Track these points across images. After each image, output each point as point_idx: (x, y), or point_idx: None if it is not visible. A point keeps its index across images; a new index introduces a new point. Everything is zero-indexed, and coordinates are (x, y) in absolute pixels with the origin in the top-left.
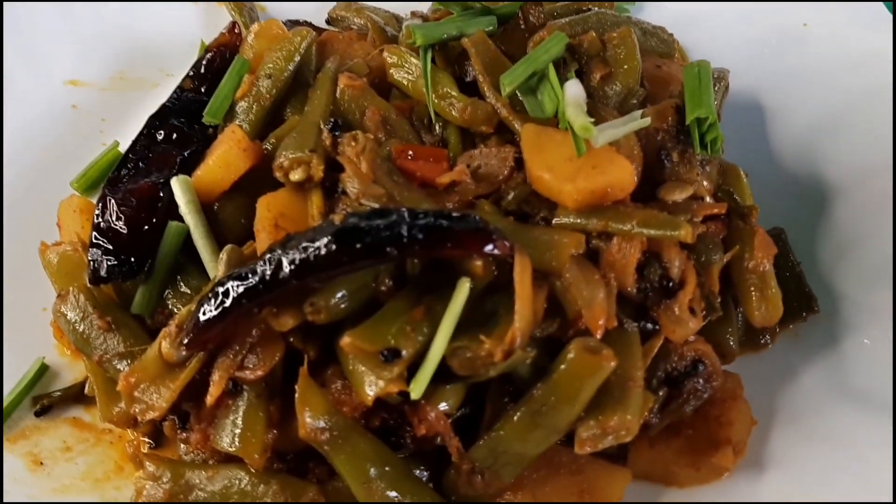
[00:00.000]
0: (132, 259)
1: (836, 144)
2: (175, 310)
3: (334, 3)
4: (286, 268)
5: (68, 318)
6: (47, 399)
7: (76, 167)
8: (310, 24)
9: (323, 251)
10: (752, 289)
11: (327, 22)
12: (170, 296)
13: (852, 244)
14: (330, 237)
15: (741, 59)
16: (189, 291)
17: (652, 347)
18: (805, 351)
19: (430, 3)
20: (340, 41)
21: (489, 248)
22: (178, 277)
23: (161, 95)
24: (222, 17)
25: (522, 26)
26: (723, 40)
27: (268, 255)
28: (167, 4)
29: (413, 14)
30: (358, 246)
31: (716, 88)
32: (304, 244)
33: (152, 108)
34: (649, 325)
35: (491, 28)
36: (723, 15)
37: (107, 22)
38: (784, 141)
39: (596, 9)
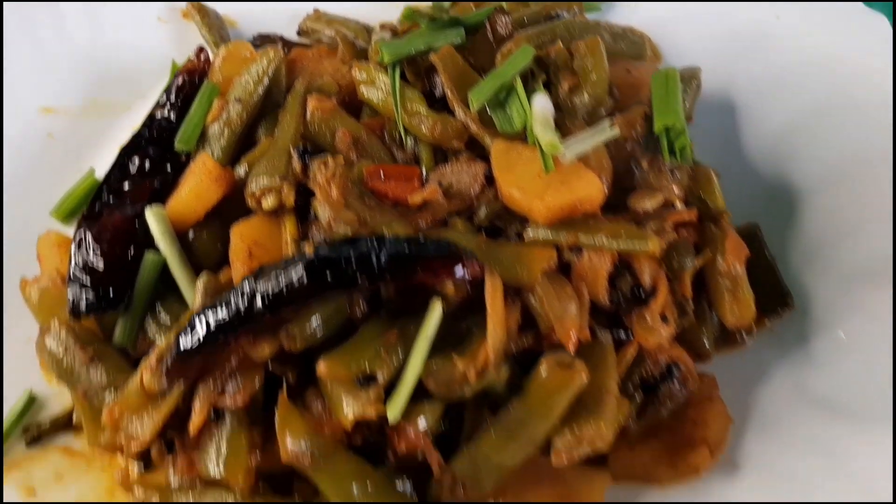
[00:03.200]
0: (111, 292)
1: (811, 142)
2: (156, 338)
3: (304, 14)
4: (259, 301)
5: (52, 351)
6: (37, 429)
7: (54, 195)
8: (281, 38)
9: (295, 284)
10: (725, 291)
11: (298, 34)
12: (150, 324)
13: (825, 242)
14: (302, 270)
15: (714, 56)
16: (169, 320)
17: (626, 356)
18: (779, 347)
19: (401, 6)
20: (310, 59)
21: (459, 271)
22: (158, 306)
23: (134, 118)
24: (193, 35)
25: (490, 37)
26: (696, 38)
27: (242, 287)
28: (136, 26)
29: (382, 26)
30: (329, 278)
31: (687, 88)
32: (276, 277)
33: (126, 131)
34: (623, 334)
35: (459, 40)
36: (696, 13)
37: (77, 46)
38: (758, 139)
39: (565, 14)
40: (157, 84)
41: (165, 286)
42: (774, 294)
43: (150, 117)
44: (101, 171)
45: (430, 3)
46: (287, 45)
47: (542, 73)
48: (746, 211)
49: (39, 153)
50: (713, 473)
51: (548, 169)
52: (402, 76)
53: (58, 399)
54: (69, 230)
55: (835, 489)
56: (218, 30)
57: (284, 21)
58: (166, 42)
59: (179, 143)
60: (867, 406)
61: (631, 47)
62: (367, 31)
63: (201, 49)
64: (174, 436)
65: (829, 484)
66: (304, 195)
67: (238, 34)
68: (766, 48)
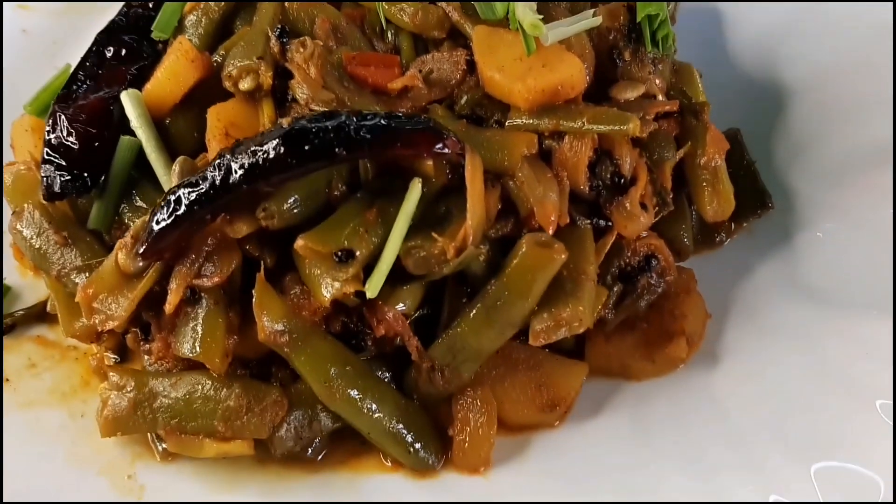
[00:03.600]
0: (85, 174)
1: (792, 46)
2: (131, 224)
3: None
4: (236, 172)
5: (24, 234)
6: (10, 318)
7: (29, 91)
8: None
9: (272, 154)
10: (704, 184)
11: None
12: (126, 210)
13: (806, 144)
14: (278, 140)
15: None
16: (144, 205)
17: (605, 243)
18: (759, 247)
19: None
20: None
21: (439, 146)
22: (134, 192)
23: (111, 15)
24: None
25: None
26: None
27: (217, 161)
28: None
29: None
30: (306, 148)
31: None
32: (253, 148)
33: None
34: (602, 222)
35: None
36: None
37: None
38: (740, 43)
39: None
40: None
41: (141, 172)
42: (754, 196)
43: (127, 5)
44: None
45: None
46: None
47: None
48: (729, 113)
49: (14, 49)
50: (692, 366)
51: (529, 50)
52: None
53: (32, 291)
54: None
55: (811, 378)
56: None
57: None
58: None
59: (156, 31)
60: (842, 295)
61: None
62: None
63: None
64: (150, 318)
65: (806, 373)
66: (283, 78)
67: None
68: None
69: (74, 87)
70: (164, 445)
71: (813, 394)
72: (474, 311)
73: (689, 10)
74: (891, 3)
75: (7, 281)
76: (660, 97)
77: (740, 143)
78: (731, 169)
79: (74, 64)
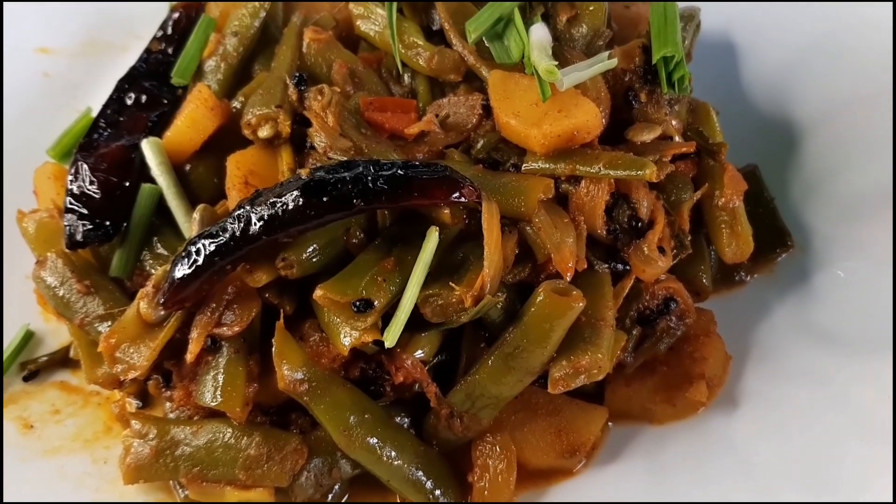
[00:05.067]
0: (107, 223)
1: (808, 80)
2: (153, 271)
3: None
4: (255, 224)
5: (48, 283)
6: (34, 364)
7: (51, 135)
8: None
9: (290, 206)
10: (723, 225)
11: None
12: (147, 258)
13: (822, 179)
14: (297, 192)
15: None
16: (165, 252)
17: (623, 288)
18: (778, 286)
19: None
20: None
21: (456, 195)
22: (154, 239)
23: (130, 58)
24: None
25: None
26: None
27: (237, 212)
28: None
29: None
30: (325, 199)
31: (687, 27)
32: (273, 199)
33: (122, 72)
34: (620, 266)
35: None
36: None
37: None
38: (756, 78)
39: None
40: (153, 25)
41: (162, 219)
42: (774, 235)
43: (147, 51)
44: (97, 112)
45: None
46: None
47: (539, 6)
48: (745, 150)
49: (36, 92)
50: (711, 410)
51: (545, 96)
52: (399, 11)
53: (55, 336)
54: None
55: (833, 419)
56: None
57: None
58: None
59: (176, 77)
60: (864, 338)
61: None
62: None
63: None
64: (171, 366)
65: (828, 414)
66: (301, 125)
67: None
68: None
69: (96, 135)
70: (186, 492)
71: (834, 439)
72: (492, 359)
73: (702, 44)
74: (890, 4)
75: (31, 326)
76: (677, 138)
77: (759, 179)
78: (749, 206)
79: (95, 106)
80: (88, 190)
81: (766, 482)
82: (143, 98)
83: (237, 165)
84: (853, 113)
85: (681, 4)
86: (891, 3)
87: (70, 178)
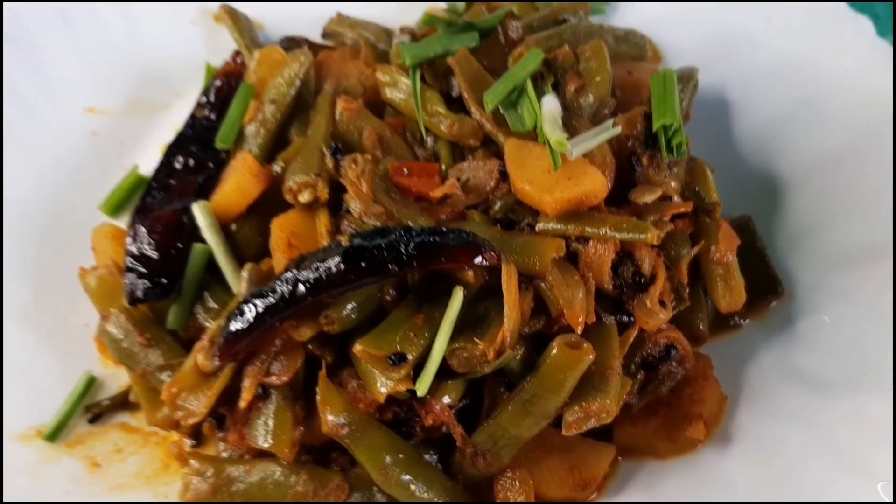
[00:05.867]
0: (164, 280)
1: (795, 137)
2: (205, 323)
3: (327, 17)
4: (301, 287)
5: (112, 336)
6: (98, 408)
7: (102, 190)
8: (306, 41)
9: (333, 270)
10: (718, 278)
11: (322, 36)
12: (199, 310)
13: (808, 230)
14: (339, 257)
15: (709, 53)
16: (216, 306)
17: (628, 337)
18: (769, 331)
19: (418, 8)
20: (335, 60)
21: (478, 259)
22: (206, 294)
23: (172, 116)
24: (223, 36)
25: (503, 41)
26: (694, 37)
27: (285, 275)
28: (171, 28)
29: (402, 30)
30: (363, 265)
31: (685, 88)
32: (317, 265)
33: (165, 130)
34: (625, 318)
35: (473, 44)
36: (694, 13)
37: (117, 48)
38: (747, 133)
39: (571, 18)
40: (192, 84)
41: (212, 275)
42: (766, 282)
43: (192, 117)
44: (143, 167)
45: (445, 7)
46: (312, 46)
47: (550, 76)
48: (737, 201)
49: (85, 151)
50: (708, 446)
51: (556, 165)
52: (422, 78)
53: (114, 379)
54: (117, 223)
55: (820, 459)
56: (248, 32)
57: (309, 23)
58: (199, 44)
59: (220, 142)
60: (849, 379)
61: (633, 49)
62: (387, 34)
63: (237, 53)
64: (225, 411)
65: (815, 454)
66: (336, 190)
67: (266, 36)
68: (757, 46)
69: (150, 198)
70: None
71: (820, 475)
72: (512, 405)
73: (701, 101)
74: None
75: (92, 371)
76: (675, 198)
77: (752, 230)
78: (743, 256)
79: (140, 162)
80: (146, 251)
81: None
82: (191, 162)
83: (280, 228)
84: (835, 168)
85: (679, 66)
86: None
87: (129, 239)
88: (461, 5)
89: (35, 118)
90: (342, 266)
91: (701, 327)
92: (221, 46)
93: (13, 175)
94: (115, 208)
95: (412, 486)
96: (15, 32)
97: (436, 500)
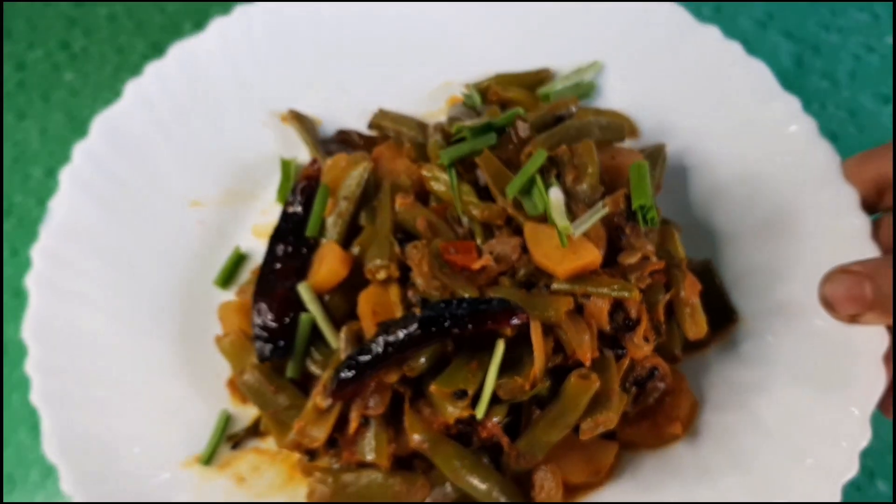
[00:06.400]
0: (282, 343)
1: (731, 204)
2: (315, 371)
3: (370, 111)
4: (390, 346)
5: (249, 385)
6: (236, 437)
7: (211, 269)
8: (356, 133)
9: (413, 335)
10: (686, 315)
11: (369, 126)
12: (309, 363)
13: (749, 271)
14: (416, 325)
15: (678, 124)
16: (321, 357)
17: (623, 365)
18: (726, 351)
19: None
20: (387, 158)
21: (514, 320)
22: (312, 349)
23: (259, 203)
24: (290, 133)
25: (514, 138)
26: (668, 115)
27: (378, 338)
28: (248, 129)
29: (434, 128)
30: (434, 329)
31: (655, 164)
32: (400, 331)
33: (256, 214)
34: (620, 351)
35: (493, 142)
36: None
37: (216, 146)
38: (699, 195)
39: (566, 118)
40: (271, 174)
41: (315, 336)
42: (724, 312)
43: (285, 213)
44: (242, 247)
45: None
46: (361, 137)
47: (553, 168)
48: (701, 244)
49: (194, 238)
50: (683, 440)
51: (563, 244)
52: (457, 172)
53: (243, 413)
54: (227, 294)
55: (770, 446)
56: (311, 130)
57: (356, 116)
58: (272, 141)
59: (309, 232)
60: (802, 388)
61: (614, 133)
62: (422, 127)
63: (314, 160)
64: (336, 435)
65: (765, 443)
66: (404, 269)
67: (324, 130)
68: (714, 118)
69: (265, 282)
70: None
71: (769, 460)
72: (543, 420)
73: (671, 168)
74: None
75: (228, 409)
76: (652, 259)
77: (713, 271)
78: (705, 293)
79: (241, 244)
80: (268, 322)
81: (725, 488)
82: (289, 249)
83: (366, 301)
84: (768, 229)
85: (652, 141)
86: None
87: (255, 314)
88: (477, 98)
89: (151, 211)
90: (419, 332)
91: (676, 352)
92: (290, 142)
93: (142, 260)
94: (225, 280)
95: (475, 481)
96: (121, 141)
97: (491, 489)
